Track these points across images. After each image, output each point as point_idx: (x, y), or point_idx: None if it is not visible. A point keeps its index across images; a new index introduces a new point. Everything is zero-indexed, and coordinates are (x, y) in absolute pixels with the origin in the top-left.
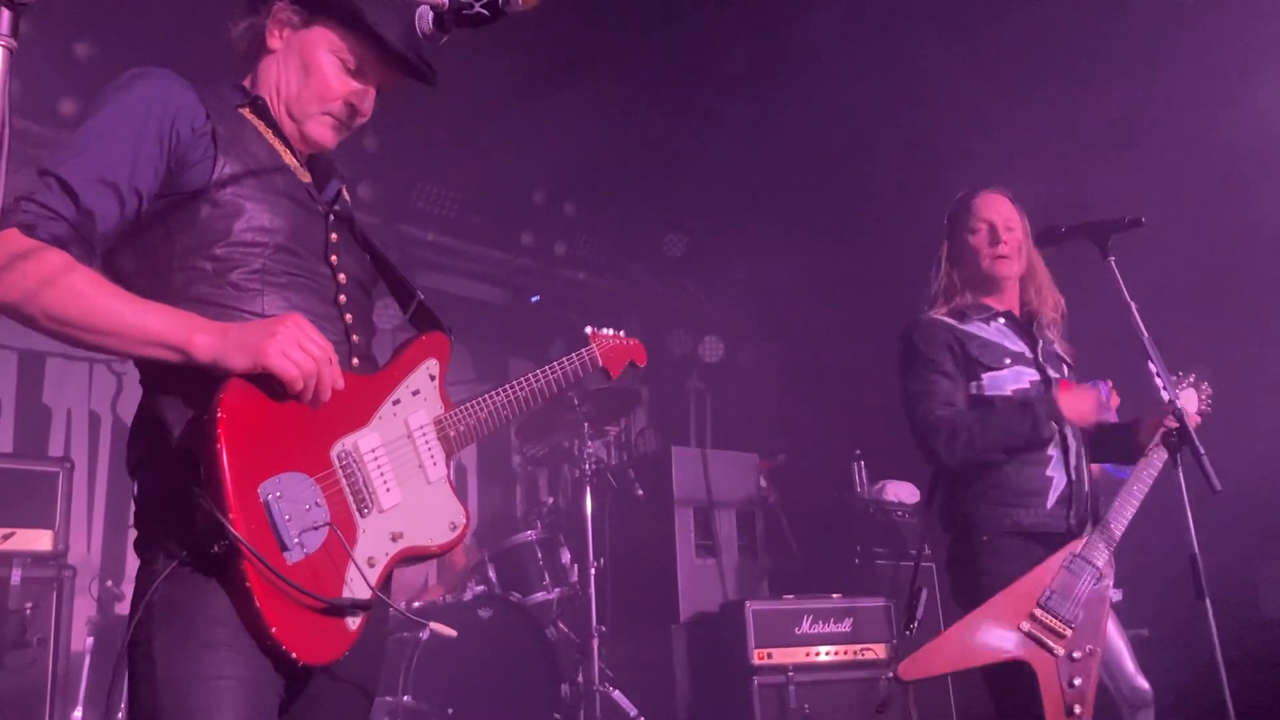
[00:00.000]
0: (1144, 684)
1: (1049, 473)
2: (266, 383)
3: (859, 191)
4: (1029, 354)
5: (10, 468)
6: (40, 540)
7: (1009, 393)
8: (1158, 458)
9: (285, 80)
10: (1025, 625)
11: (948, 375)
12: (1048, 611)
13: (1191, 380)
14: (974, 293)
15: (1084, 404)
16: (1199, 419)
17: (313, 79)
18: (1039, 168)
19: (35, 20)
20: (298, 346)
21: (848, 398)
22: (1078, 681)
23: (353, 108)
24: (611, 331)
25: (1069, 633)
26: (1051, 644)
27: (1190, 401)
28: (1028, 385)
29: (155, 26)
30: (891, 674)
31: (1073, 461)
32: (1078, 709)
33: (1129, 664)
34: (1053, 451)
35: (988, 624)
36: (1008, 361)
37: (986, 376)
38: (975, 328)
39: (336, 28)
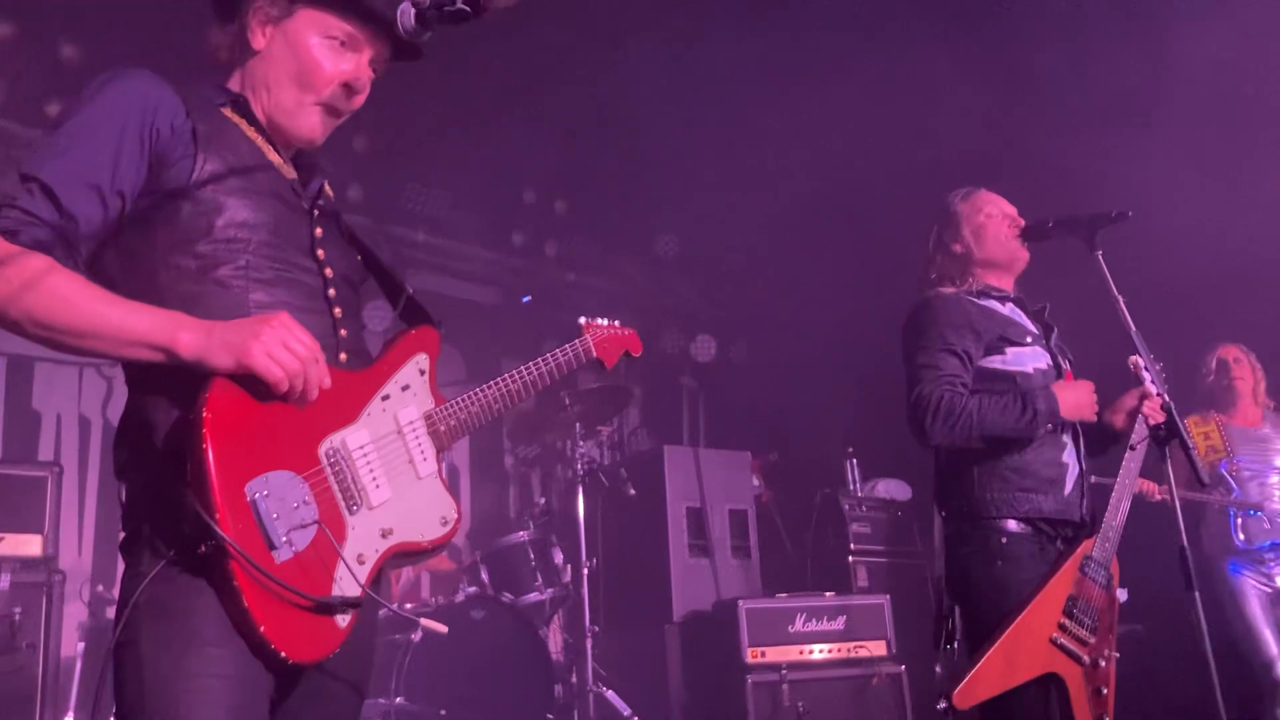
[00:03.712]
0: None
1: (1065, 459)
2: (252, 381)
3: (855, 190)
4: (1043, 339)
5: None
6: (29, 545)
7: (1030, 370)
8: (1142, 449)
9: (275, 76)
10: (1056, 636)
11: (959, 355)
12: (1072, 620)
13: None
14: (985, 274)
15: (1082, 399)
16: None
17: (305, 67)
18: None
19: (22, 22)
20: (282, 346)
21: (840, 396)
22: (1104, 690)
23: (349, 88)
24: (606, 321)
25: (1092, 640)
26: (1079, 653)
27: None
28: (1045, 366)
29: (142, 27)
30: (945, 704)
31: (1081, 450)
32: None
33: None
34: (1066, 439)
35: (1025, 638)
36: (1029, 340)
37: (1011, 351)
38: (993, 305)
39: (320, 7)
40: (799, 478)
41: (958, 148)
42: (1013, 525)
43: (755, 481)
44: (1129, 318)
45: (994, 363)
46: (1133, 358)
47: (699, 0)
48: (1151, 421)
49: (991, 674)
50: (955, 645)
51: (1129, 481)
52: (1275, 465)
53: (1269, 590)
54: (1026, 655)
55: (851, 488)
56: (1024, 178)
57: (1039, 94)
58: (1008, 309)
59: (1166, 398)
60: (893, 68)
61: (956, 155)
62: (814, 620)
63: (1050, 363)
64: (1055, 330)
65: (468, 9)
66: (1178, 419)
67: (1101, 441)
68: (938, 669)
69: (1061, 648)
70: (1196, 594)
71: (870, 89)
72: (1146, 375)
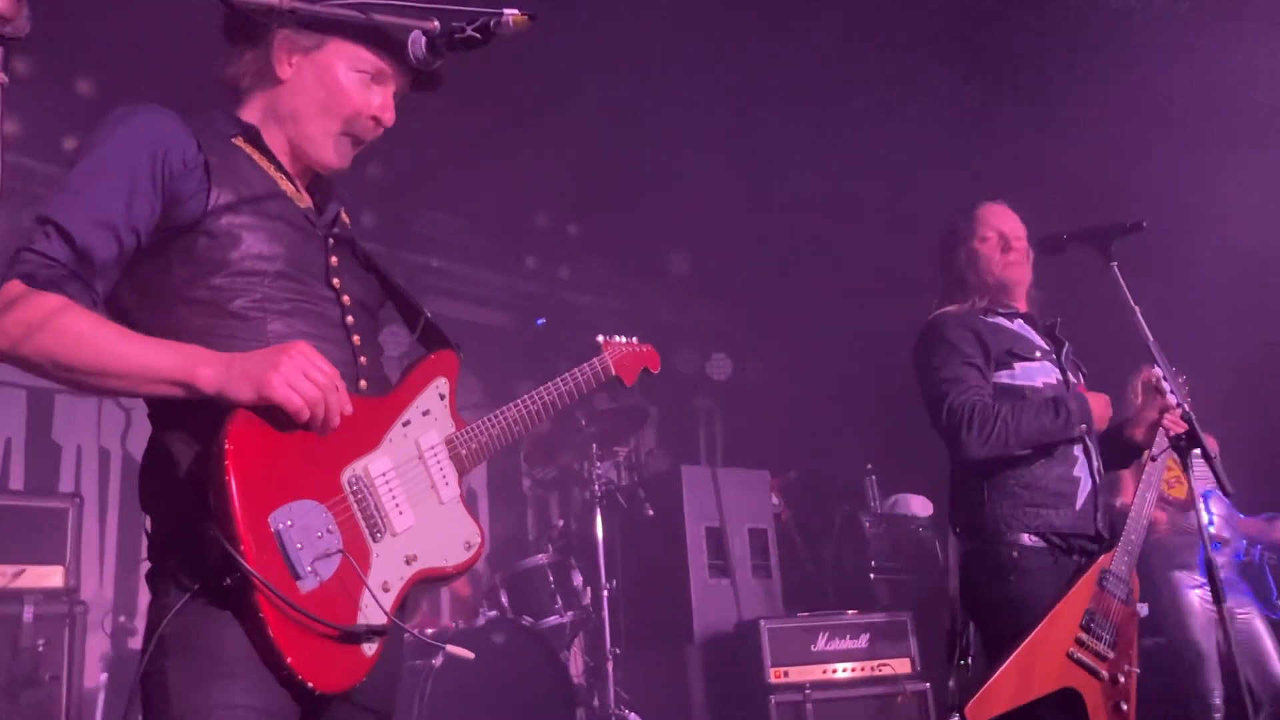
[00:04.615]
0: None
1: (1076, 473)
2: (273, 411)
3: (872, 204)
4: (1053, 354)
5: (20, 505)
6: (51, 577)
7: (1039, 385)
8: (1163, 460)
9: (304, 105)
10: (1073, 651)
11: (976, 367)
12: (1090, 634)
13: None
14: (988, 296)
15: (1104, 408)
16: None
17: (336, 99)
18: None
19: (37, 58)
20: (302, 375)
21: (858, 412)
22: (1124, 706)
23: (377, 121)
24: (624, 339)
25: (1111, 655)
26: (1097, 668)
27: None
28: (1055, 381)
29: (157, 62)
30: (958, 718)
31: (1094, 464)
32: None
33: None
34: (1078, 453)
35: (1041, 653)
36: (1038, 355)
37: (1019, 366)
38: (1000, 321)
39: (351, 40)
40: (818, 495)
41: (981, 158)
42: (1026, 540)
43: (774, 500)
44: (1146, 329)
45: (1002, 378)
46: (1154, 370)
47: (712, 21)
48: (1172, 432)
49: (1006, 688)
50: (969, 660)
51: (1150, 494)
52: (1214, 490)
53: (1211, 615)
54: (1042, 670)
55: (871, 505)
56: (1050, 192)
57: (1070, 107)
58: (1015, 324)
59: (1187, 408)
60: (910, 84)
61: (980, 166)
62: (837, 639)
63: (1060, 378)
64: (1067, 345)
65: (477, 35)
66: (1199, 430)
67: (1121, 456)
68: (951, 684)
69: (1079, 662)
70: (1225, 606)
71: (885, 104)
72: (1166, 386)
